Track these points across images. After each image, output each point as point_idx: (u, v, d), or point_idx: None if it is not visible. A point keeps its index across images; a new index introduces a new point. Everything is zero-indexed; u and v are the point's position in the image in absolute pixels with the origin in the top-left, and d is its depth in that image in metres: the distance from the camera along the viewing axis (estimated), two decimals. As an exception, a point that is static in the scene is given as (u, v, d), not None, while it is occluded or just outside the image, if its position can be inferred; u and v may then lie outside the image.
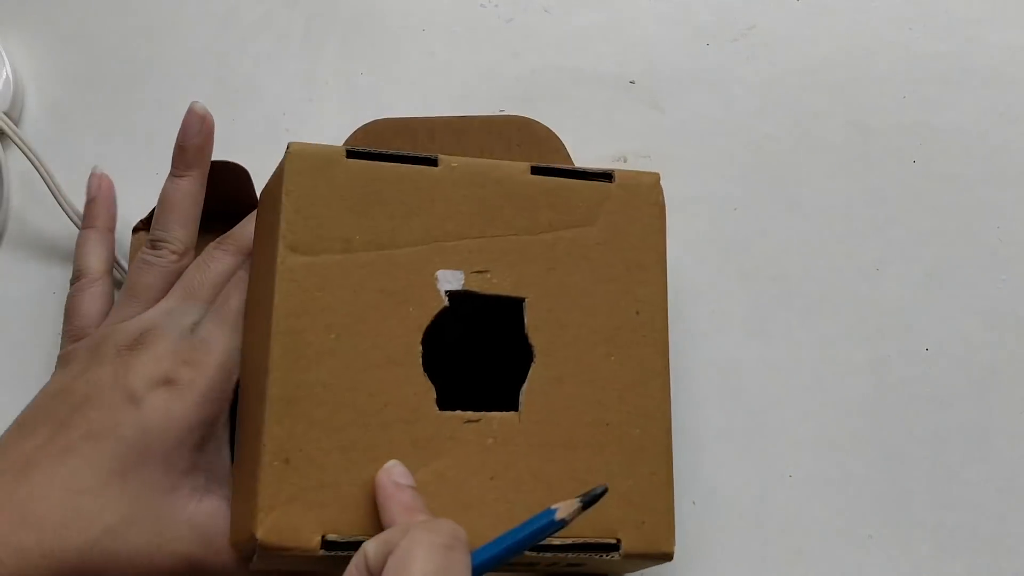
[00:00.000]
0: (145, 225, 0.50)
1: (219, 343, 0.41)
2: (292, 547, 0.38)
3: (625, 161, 0.54)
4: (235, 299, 0.43)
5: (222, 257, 0.44)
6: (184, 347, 0.41)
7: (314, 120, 0.55)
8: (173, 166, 0.47)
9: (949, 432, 0.49)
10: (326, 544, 0.38)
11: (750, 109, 0.55)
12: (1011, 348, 0.50)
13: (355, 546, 0.36)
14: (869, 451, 0.49)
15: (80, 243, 0.48)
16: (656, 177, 0.44)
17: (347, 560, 0.35)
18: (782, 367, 0.50)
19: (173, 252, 0.45)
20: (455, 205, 0.42)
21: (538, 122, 0.50)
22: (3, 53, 0.56)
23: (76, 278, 0.47)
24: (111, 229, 0.49)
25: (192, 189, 0.46)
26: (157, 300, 0.44)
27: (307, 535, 0.38)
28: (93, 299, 0.46)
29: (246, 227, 0.45)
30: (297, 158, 0.42)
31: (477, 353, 0.43)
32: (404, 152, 0.42)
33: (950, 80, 0.55)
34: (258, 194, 0.45)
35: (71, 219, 0.51)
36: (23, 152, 0.52)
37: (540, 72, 0.56)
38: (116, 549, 0.38)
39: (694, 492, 0.48)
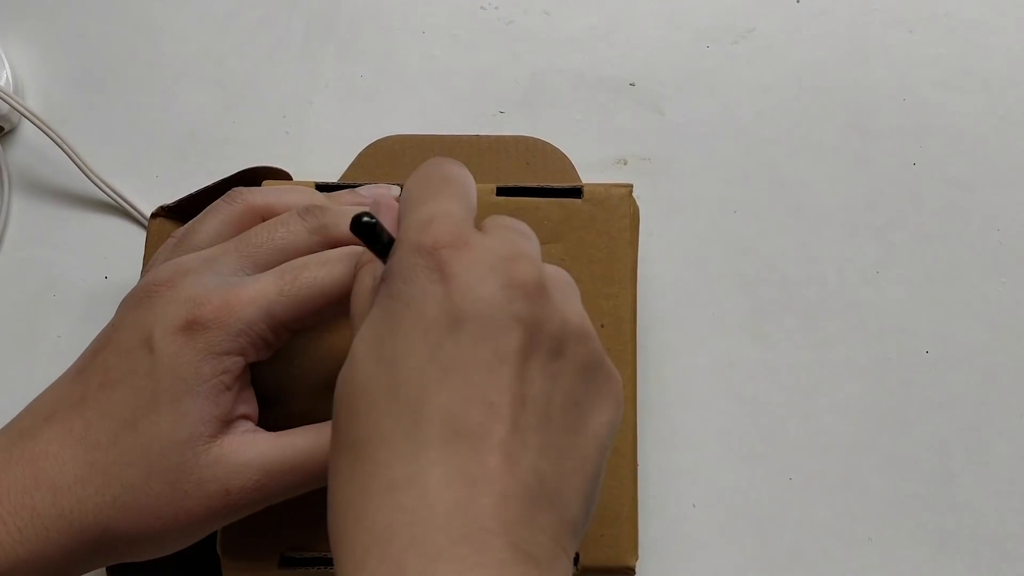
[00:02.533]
0: (165, 211, 0.49)
1: (252, 288, 0.37)
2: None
3: (625, 163, 0.54)
4: (298, 261, 0.38)
5: (299, 229, 0.39)
6: (212, 291, 0.37)
7: (314, 122, 0.55)
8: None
9: (949, 434, 0.49)
10: (284, 561, 0.39)
11: (750, 111, 0.55)
12: (1011, 350, 0.50)
13: (314, 562, 0.38)
14: (869, 453, 0.49)
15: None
16: (628, 189, 0.45)
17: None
18: (782, 369, 0.50)
19: (245, 204, 0.41)
20: None
21: (550, 143, 0.50)
22: (3, 54, 0.56)
23: (230, 198, 0.42)
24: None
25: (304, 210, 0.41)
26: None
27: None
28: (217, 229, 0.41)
29: (340, 218, 0.40)
30: None
31: None
32: (369, 183, 0.44)
33: (950, 83, 0.55)
34: None
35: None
36: (39, 127, 0.52)
37: (540, 74, 0.56)
38: (138, 503, 0.36)
39: (694, 495, 0.48)
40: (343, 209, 0.40)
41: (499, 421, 0.29)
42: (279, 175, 0.48)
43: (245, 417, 0.38)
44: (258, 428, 0.38)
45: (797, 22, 0.57)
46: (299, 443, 0.37)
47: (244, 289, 0.37)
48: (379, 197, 0.41)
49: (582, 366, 0.32)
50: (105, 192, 0.53)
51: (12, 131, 0.56)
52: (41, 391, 0.39)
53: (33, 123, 0.53)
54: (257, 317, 0.37)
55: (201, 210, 0.48)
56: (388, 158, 0.50)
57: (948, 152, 0.54)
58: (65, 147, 0.54)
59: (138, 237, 0.53)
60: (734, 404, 0.50)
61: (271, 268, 0.38)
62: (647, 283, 0.50)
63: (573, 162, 0.51)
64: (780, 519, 0.48)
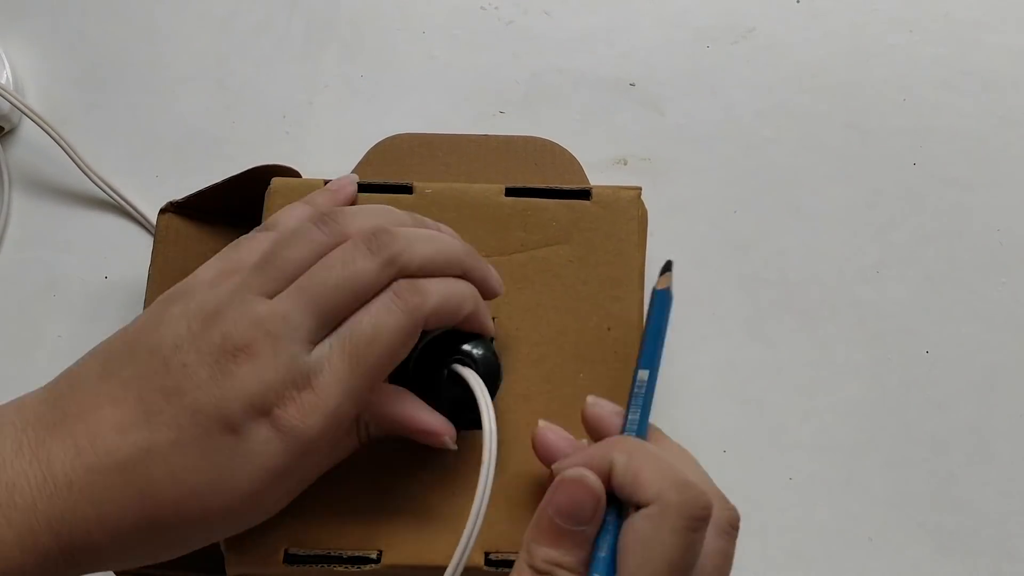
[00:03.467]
0: (173, 207, 0.49)
1: (336, 388, 0.36)
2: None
3: (626, 164, 0.54)
4: (367, 324, 0.36)
5: (366, 265, 0.37)
6: (297, 379, 0.36)
7: (314, 122, 0.55)
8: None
9: (949, 434, 0.49)
10: (288, 558, 0.39)
11: (750, 111, 0.55)
12: (1011, 350, 0.50)
13: (316, 560, 0.39)
14: (870, 453, 0.49)
15: (302, 202, 0.42)
16: (636, 192, 0.45)
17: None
18: (782, 369, 0.50)
19: (342, 236, 0.38)
20: None
21: (557, 144, 0.50)
22: (3, 54, 0.56)
23: (267, 226, 0.41)
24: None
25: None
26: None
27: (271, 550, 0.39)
28: (261, 251, 0.39)
29: (414, 246, 0.38)
30: (277, 194, 0.44)
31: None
32: (379, 181, 0.44)
33: (949, 83, 0.55)
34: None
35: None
36: (39, 125, 0.52)
37: (540, 75, 0.56)
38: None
39: (694, 494, 0.48)
40: (410, 234, 0.38)
41: None
42: (288, 172, 0.48)
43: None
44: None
45: (797, 22, 0.57)
46: None
47: (332, 388, 0.36)
48: (341, 187, 0.42)
49: None
50: (105, 192, 0.54)
51: (12, 131, 0.56)
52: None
53: (34, 121, 0.53)
54: (339, 406, 0.36)
55: (209, 206, 0.49)
56: (396, 157, 0.50)
57: (948, 152, 0.54)
58: (65, 147, 0.54)
59: (138, 237, 0.53)
60: (734, 404, 0.50)
61: (341, 315, 0.37)
62: (647, 283, 0.50)
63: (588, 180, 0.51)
64: (780, 519, 0.48)
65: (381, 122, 0.52)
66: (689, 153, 0.54)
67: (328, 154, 0.54)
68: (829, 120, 0.55)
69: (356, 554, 0.39)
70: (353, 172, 0.49)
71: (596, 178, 0.49)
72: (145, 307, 0.47)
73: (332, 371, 0.36)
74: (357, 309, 0.37)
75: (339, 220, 0.38)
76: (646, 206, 0.45)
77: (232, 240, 0.41)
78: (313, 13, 0.58)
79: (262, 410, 0.35)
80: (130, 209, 0.53)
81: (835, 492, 0.48)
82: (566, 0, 0.58)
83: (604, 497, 0.34)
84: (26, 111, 0.53)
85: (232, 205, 0.48)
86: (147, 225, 0.54)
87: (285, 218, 0.41)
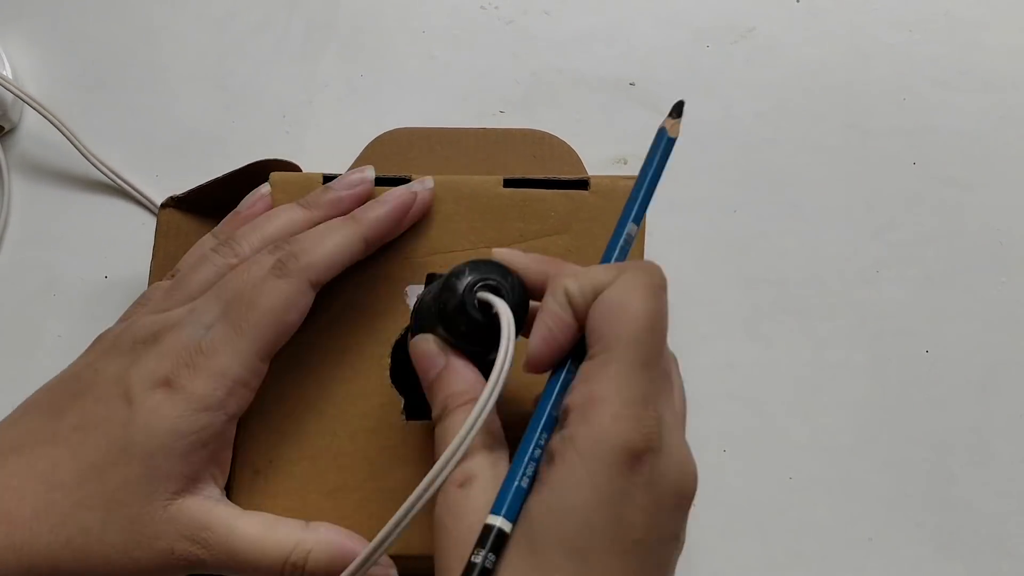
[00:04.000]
0: (175, 202, 0.49)
1: (226, 349, 0.38)
2: None
3: (625, 163, 0.54)
4: (247, 300, 0.39)
5: (267, 265, 0.40)
6: (191, 349, 0.38)
7: (314, 122, 0.55)
8: (306, 199, 0.43)
9: (949, 434, 0.49)
10: None
11: (750, 111, 0.55)
12: (1011, 350, 0.50)
13: None
14: (869, 453, 0.49)
15: (278, 214, 0.43)
16: (634, 181, 0.44)
17: None
18: (782, 369, 0.50)
19: (236, 259, 0.41)
20: (425, 222, 0.43)
21: (555, 136, 0.50)
22: (3, 54, 0.56)
23: (171, 274, 0.43)
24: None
25: (300, 223, 0.42)
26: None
27: None
28: (206, 277, 0.42)
29: (310, 245, 0.40)
30: (276, 188, 0.44)
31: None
32: (377, 175, 0.43)
33: (949, 83, 0.55)
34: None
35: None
36: (41, 114, 0.52)
37: (540, 74, 0.56)
38: (90, 547, 0.36)
39: (694, 494, 0.48)
40: (311, 236, 0.40)
41: None
42: (287, 167, 0.48)
43: (213, 479, 0.39)
44: (222, 496, 0.39)
45: (797, 22, 0.57)
46: (251, 533, 0.38)
47: (211, 339, 0.38)
48: (352, 184, 0.43)
49: None
50: (110, 179, 0.54)
51: (12, 131, 0.56)
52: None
53: (38, 111, 0.53)
54: (231, 362, 0.38)
55: (210, 201, 0.49)
56: (395, 151, 0.50)
57: (948, 152, 0.54)
58: (65, 147, 0.54)
59: (138, 237, 0.53)
60: (733, 403, 0.50)
61: None
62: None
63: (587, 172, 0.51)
64: (780, 519, 0.48)
65: (381, 122, 0.52)
66: (689, 153, 0.54)
67: (328, 153, 0.54)
68: (829, 120, 0.55)
69: None
70: (352, 167, 0.49)
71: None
72: None
73: (219, 335, 0.38)
74: None
75: (236, 240, 0.41)
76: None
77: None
78: (313, 13, 0.58)
79: (159, 381, 0.37)
80: (139, 197, 0.53)
81: (835, 492, 0.48)
82: (566, 0, 0.58)
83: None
84: (29, 101, 0.53)
85: (232, 200, 0.48)
86: (147, 224, 0.54)
87: (189, 257, 0.43)
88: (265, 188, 0.44)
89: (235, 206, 0.48)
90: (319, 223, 0.42)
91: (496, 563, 0.31)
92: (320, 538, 0.38)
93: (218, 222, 0.49)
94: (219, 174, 0.48)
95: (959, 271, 0.52)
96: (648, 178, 0.37)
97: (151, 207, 0.54)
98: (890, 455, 0.49)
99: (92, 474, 0.37)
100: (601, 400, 0.32)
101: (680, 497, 0.32)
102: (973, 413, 0.49)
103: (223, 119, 0.55)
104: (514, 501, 0.32)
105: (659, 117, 0.55)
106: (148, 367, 0.38)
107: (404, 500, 0.35)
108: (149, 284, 0.48)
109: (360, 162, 0.50)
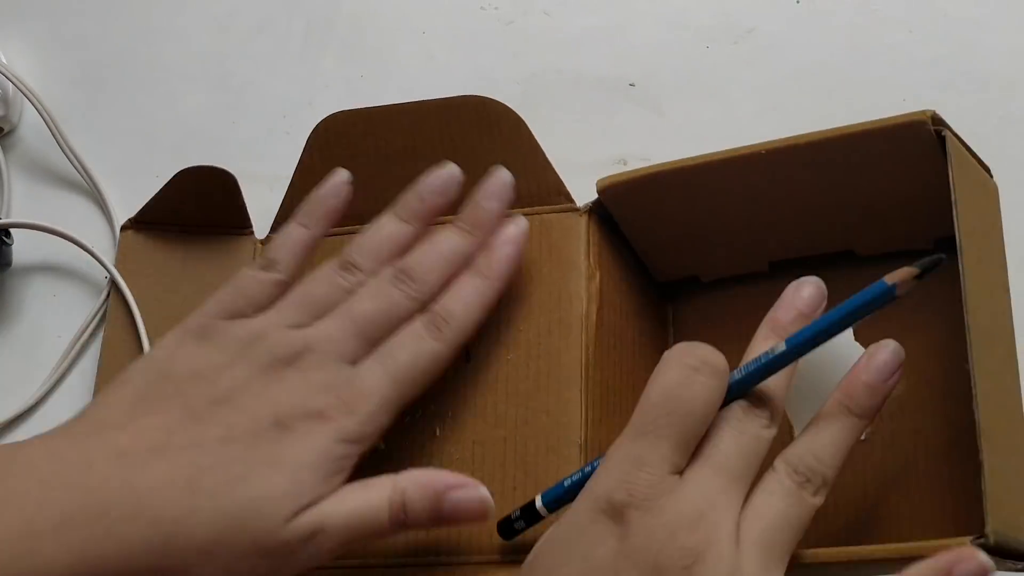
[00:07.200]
0: (132, 223, 0.51)
1: (378, 392, 0.40)
2: None
3: (625, 163, 0.54)
4: (405, 354, 0.40)
5: (401, 299, 0.42)
6: (342, 385, 0.39)
7: (314, 122, 0.55)
8: (402, 210, 0.44)
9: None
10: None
11: (750, 112, 0.55)
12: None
13: None
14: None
15: (289, 235, 0.44)
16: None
17: None
18: (782, 369, 0.50)
19: (358, 275, 0.42)
20: None
21: (497, 100, 0.48)
22: (2, 54, 0.56)
23: (265, 266, 0.43)
24: (323, 236, 0.45)
25: (404, 239, 0.44)
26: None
27: None
28: (266, 290, 0.42)
29: (464, 312, 0.42)
30: (329, 131, 0.46)
31: None
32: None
33: (949, 83, 0.55)
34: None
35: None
36: (41, 114, 0.53)
37: (540, 74, 0.56)
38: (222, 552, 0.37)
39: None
40: (456, 297, 0.42)
41: None
42: (222, 176, 0.49)
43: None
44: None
45: (797, 22, 0.57)
46: (351, 504, 0.39)
47: (364, 382, 0.40)
48: (444, 190, 0.44)
49: None
50: (93, 188, 0.54)
51: (12, 131, 0.56)
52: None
53: (36, 109, 0.53)
54: (379, 409, 0.40)
55: (165, 218, 0.50)
56: (339, 138, 0.49)
57: (948, 152, 0.54)
58: (65, 147, 0.54)
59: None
60: (734, 404, 0.50)
61: (379, 340, 0.41)
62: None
63: (572, 161, 0.50)
64: (780, 519, 0.48)
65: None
66: (689, 153, 0.54)
67: (328, 154, 0.54)
68: (829, 120, 0.54)
69: None
70: (300, 164, 0.49)
71: (596, 177, 0.49)
72: (106, 333, 0.49)
73: (374, 380, 0.40)
74: (391, 334, 0.41)
75: (354, 262, 0.43)
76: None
77: (198, 249, 0.47)
78: (313, 13, 0.58)
79: (309, 411, 0.39)
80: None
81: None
82: (566, 0, 0.58)
83: None
84: (32, 99, 0.53)
85: (188, 212, 0.50)
86: (118, 239, 0.54)
87: (281, 254, 0.43)
88: (344, 175, 0.45)
89: (189, 219, 0.49)
90: (421, 236, 0.44)
91: (524, 529, 0.39)
92: (408, 476, 0.39)
93: (178, 238, 0.50)
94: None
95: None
96: (837, 317, 0.35)
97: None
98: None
99: (236, 481, 0.37)
100: (607, 455, 0.35)
101: (661, 559, 0.32)
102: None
103: (223, 119, 0.56)
104: (556, 492, 0.39)
105: (659, 117, 0.55)
106: (299, 396, 0.39)
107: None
108: (108, 318, 0.49)
109: (306, 155, 0.49)
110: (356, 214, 0.44)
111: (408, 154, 0.47)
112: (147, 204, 0.50)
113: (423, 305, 0.42)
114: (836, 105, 0.55)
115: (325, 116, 0.49)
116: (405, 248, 0.43)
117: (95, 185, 0.54)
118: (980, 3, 0.56)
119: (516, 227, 0.44)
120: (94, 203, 0.54)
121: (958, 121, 0.54)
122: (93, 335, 0.52)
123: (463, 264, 0.43)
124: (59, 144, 0.54)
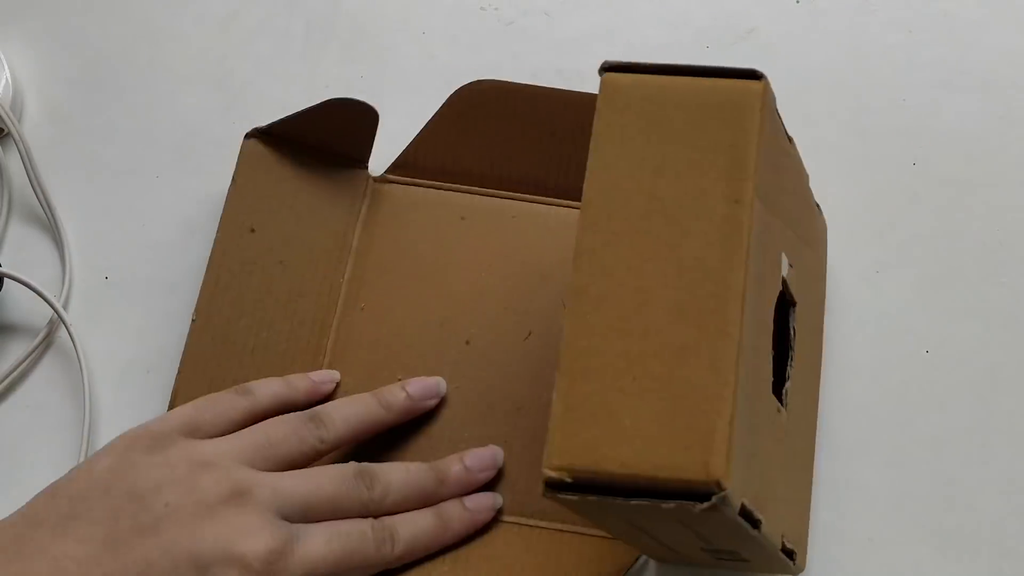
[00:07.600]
0: (258, 133, 0.51)
1: (309, 562, 0.40)
2: None
3: (625, 163, 0.54)
4: (347, 544, 0.41)
5: (358, 495, 0.43)
6: (276, 540, 0.39)
7: (314, 122, 0.55)
8: (384, 392, 0.47)
9: (949, 435, 0.49)
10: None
11: (750, 112, 0.55)
12: (1011, 350, 0.50)
13: None
14: (869, 453, 0.49)
15: (270, 383, 0.46)
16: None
17: None
18: (782, 369, 0.50)
19: (322, 444, 0.44)
20: None
21: None
22: (2, 56, 0.56)
23: (244, 391, 0.45)
24: (295, 401, 0.46)
25: (384, 422, 0.46)
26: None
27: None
28: (232, 417, 0.43)
29: (392, 485, 0.44)
30: (612, 90, 0.41)
31: None
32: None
33: (949, 83, 0.55)
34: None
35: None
36: (21, 156, 0.52)
37: (540, 75, 0.56)
38: None
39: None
40: (397, 475, 0.44)
41: None
42: (364, 108, 0.50)
43: None
44: None
45: (797, 22, 0.57)
46: None
47: (303, 547, 0.40)
48: (426, 395, 0.47)
49: None
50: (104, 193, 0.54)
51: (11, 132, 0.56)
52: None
53: (38, 111, 0.53)
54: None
55: (293, 135, 0.51)
56: (477, 106, 0.52)
57: (948, 152, 0.54)
58: (65, 147, 0.54)
59: (138, 238, 0.53)
60: (734, 404, 0.50)
61: (322, 517, 0.42)
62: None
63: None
64: (780, 519, 0.48)
65: (380, 121, 0.52)
66: (689, 153, 0.54)
67: (328, 154, 0.54)
68: (828, 120, 0.55)
69: None
70: (435, 115, 0.52)
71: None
72: (220, 232, 0.49)
73: (311, 548, 0.40)
74: (332, 516, 0.42)
75: (324, 424, 0.44)
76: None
77: (314, 171, 0.49)
78: (313, 13, 0.58)
79: (235, 557, 0.38)
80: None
81: (834, 492, 0.48)
82: (566, 0, 0.58)
83: None
84: (30, 101, 0.53)
85: (315, 136, 0.51)
86: (147, 225, 0.54)
87: (261, 389, 0.45)
88: (336, 376, 0.48)
89: (316, 142, 0.50)
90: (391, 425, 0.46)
91: None
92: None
93: (297, 157, 0.51)
94: (220, 174, 0.49)
95: (959, 271, 0.52)
96: None
97: (142, 218, 0.54)
98: (890, 455, 0.49)
99: None
100: None
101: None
102: (973, 414, 0.49)
103: (223, 119, 0.56)
104: None
105: (659, 117, 0.55)
106: (225, 539, 0.39)
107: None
108: (223, 215, 0.49)
109: (437, 120, 0.52)
110: (477, 175, 0.50)
111: (544, 134, 0.51)
112: (280, 120, 0.50)
113: (372, 508, 0.43)
114: (836, 105, 0.55)
115: (471, 81, 0.52)
116: (373, 430, 0.46)
117: (94, 185, 0.54)
118: (980, 3, 0.56)
119: (495, 500, 0.45)
120: (93, 203, 0.54)
121: (958, 121, 0.54)
122: (94, 336, 0.52)
123: (421, 500, 0.44)
124: (58, 144, 0.54)
